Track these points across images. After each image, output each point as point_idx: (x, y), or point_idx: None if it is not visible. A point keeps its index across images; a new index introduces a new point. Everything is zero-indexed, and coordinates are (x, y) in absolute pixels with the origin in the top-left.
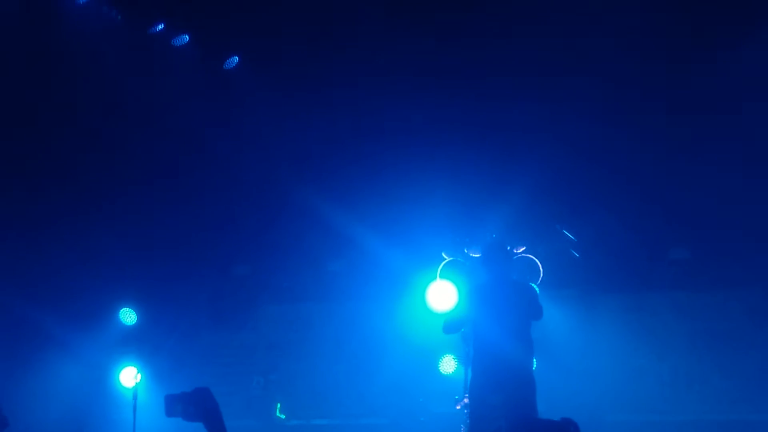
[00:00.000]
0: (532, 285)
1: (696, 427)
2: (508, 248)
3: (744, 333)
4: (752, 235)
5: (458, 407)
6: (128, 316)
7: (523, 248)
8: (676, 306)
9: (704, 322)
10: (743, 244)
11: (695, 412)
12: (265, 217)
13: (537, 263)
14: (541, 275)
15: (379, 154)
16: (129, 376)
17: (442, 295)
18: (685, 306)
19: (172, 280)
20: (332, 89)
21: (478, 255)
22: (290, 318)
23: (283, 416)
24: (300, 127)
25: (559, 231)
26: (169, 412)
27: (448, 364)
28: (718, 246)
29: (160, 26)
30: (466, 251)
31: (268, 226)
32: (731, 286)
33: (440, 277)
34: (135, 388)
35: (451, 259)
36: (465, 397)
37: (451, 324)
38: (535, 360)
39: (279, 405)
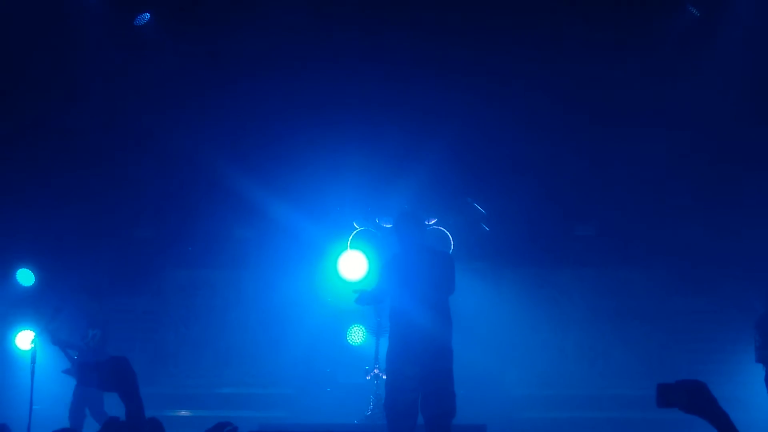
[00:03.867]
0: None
1: (598, 401)
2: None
3: (646, 310)
4: (656, 214)
5: (368, 378)
6: (26, 277)
7: (435, 220)
8: (582, 282)
9: (608, 298)
10: (647, 222)
11: (598, 387)
12: (171, 181)
13: (448, 235)
14: (452, 247)
15: (290, 124)
16: (26, 339)
17: (353, 264)
18: (590, 282)
19: (72, 241)
20: (246, 59)
21: (389, 225)
22: (196, 284)
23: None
24: (212, 95)
25: (470, 204)
26: (84, 380)
27: (357, 335)
28: (623, 224)
29: None
30: (377, 221)
31: (175, 189)
32: (635, 263)
33: (351, 246)
34: (33, 351)
35: (362, 228)
36: (375, 368)
37: (367, 297)
38: None
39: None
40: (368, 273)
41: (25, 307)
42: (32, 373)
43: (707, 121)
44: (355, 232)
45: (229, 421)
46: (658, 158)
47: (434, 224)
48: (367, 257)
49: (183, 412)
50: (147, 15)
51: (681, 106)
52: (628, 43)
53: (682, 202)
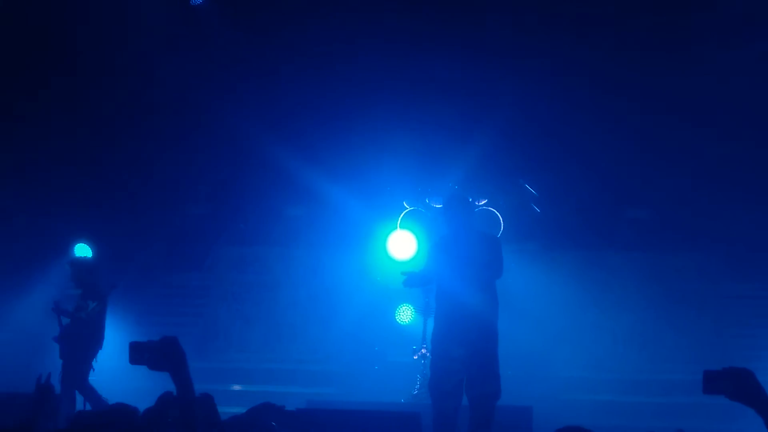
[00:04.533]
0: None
1: (647, 386)
2: (470, 200)
3: (699, 295)
4: (709, 200)
5: (415, 357)
6: (84, 251)
7: (485, 201)
8: (634, 265)
9: (661, 282)
10: (700, 207)
11: (647, 372)
12: (225, 160)
13: (498, 216)
14: (502, 228)
15: (343, 104)
16: None
17: (403, 244)
18: (642, 266)
19: (129, 217)
20: (299, 41)
21: (439, 205)
22: (248, 260)
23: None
24: (267, 75)
25: (521, 185)
26: (134, 359)
27: (405, 314)
28: (676, 208)
29: None
30: (427, 201)
31: (229, 168)
32: (687, 248)
33: (401, 226)
34: None
35: (412, 208)
36: (423, 347)
37: (415, 279)
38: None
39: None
40: (417, 253)
41: None
42: None
43: (761, 110)
44: (405, 211)
45: (272, 402)
46: (712, 144)
47: (484, 205)
48: (417, 237)
49: (235, 387)
50: None
51: (736, 95)
52: (687, 31)
53: (734, 187)
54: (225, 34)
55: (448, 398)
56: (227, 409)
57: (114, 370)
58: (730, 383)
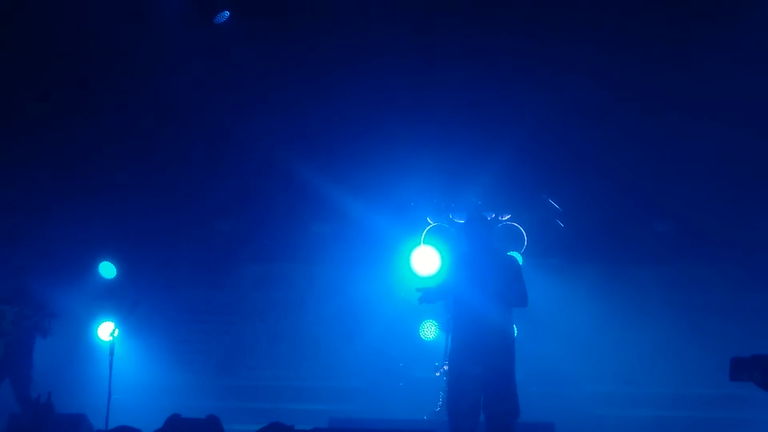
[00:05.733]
0: (515, 255)
1: (674, 400)
2: (492, 216)
3: (724, 307)
4: (734, 211)
5: (438, 374)
6: (108, 269)
7: (509, 216)
8: (659, 278)
9: (685, 295)
10: (725, 219)
11: (674, 385)
12: (249, 176)
13: (522, 231)
14: (525, 243)
15: (366, 121)
16: (106, 331)
17: (426, 259)
18: (667, 278)
19: (153, 235)
20: (322, 55)
21: (463, 221)
22: (272, 277)
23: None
24: (291, 92)
25: (544, 200)
26: None
27: (429, 330)
28: (701, 220)
29: None
30: (451, 217)
31: (253, 184)
32: (713, 260)
33: (424, 241)
34: (112, 343)
35: (436, 224)
36: (445, 364)
37: (431, 295)
38: (515, 327)
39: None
40: (441, 268)
41: (107, 299)
42: (110, 364)
43: None
44: (429, 227)
45: (281, 423)
46: (736, 156)
47: (508, 220)
48: (440, 253)
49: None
50: (227, 13)
51: (761, 103)
52: (711, 39)
53: (759, 198)
54: (250, 52)
55: (465, 418)
56: (249, 427)
57: (127, 391)
58: (758, 371)
